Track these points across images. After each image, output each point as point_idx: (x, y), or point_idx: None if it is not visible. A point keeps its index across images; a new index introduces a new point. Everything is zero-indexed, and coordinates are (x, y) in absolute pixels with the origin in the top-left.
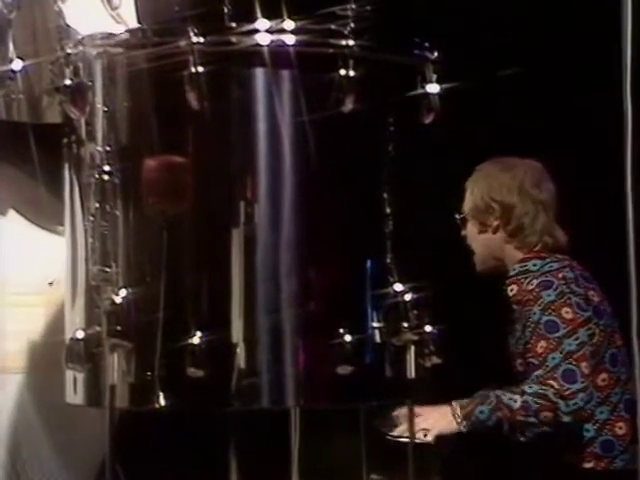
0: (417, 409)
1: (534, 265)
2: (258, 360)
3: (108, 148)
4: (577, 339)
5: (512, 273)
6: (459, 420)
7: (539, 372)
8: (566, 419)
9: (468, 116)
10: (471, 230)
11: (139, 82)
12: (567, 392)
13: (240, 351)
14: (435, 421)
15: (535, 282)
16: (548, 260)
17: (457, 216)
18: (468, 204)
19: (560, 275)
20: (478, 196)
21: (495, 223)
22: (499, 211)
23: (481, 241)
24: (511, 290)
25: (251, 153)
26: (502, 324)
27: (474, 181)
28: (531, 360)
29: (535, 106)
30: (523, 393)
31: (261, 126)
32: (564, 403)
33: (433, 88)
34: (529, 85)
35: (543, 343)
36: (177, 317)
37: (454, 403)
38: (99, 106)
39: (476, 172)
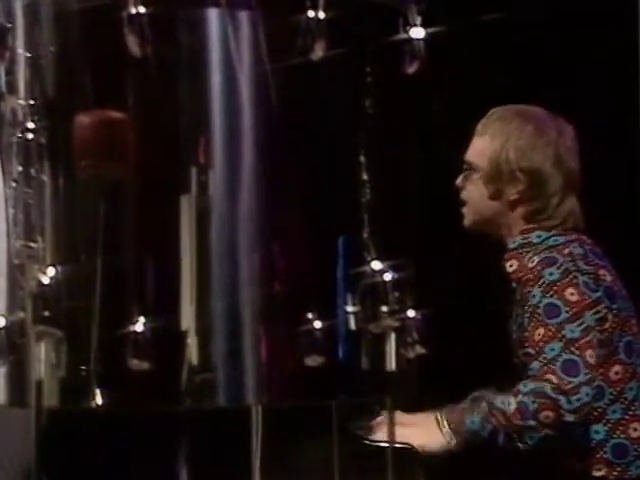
0: (399, 418)
1: (538, 237)
2: (213, 351)
3: (32, 102)
4: (581, 324)
5: (512, 245)
6: (448, 437)
7: (535, 365)
8: (570, 418)
9: (458, 65)
10: (478, 190)
11: (68, 24)
12: (568, 386)
13: (191, 340)
14: (419, 438)
15: (536, 259)
16: (554, 232)
17: (465, 166)
18: (482, 156)
19: (566, 251)
20: (502, 157)
21: (514, 197)
22: (525, 184)
23: (488, 207)
24: (510, 266)
25: (204, 109)
26: (502, 307)
27: (494, 133)
28: (528, 350)
29: (534, 53)
30: (518, 393)
31: (215, 77)
32: (565, 399)
33: (417, 33)
34: (526, 29)
35: (541, 330)
36: (117, 300)
37: (439, 415)
38: (21, 52)
39: (497, 120)
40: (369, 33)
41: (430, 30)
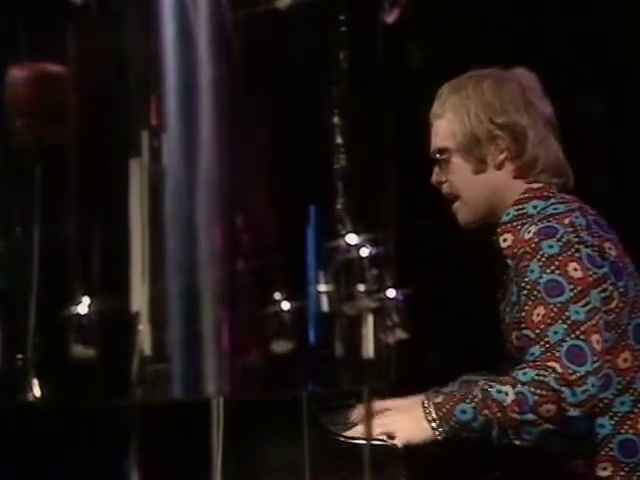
0: (379, 404)
1: (534, 207)
2: (167, 336)
3: None
4: (587, 304)
5: (506, 218)
6: (434, 425)
7: (536, 350)
8: (574, 412)
9: (447, 14)
10: (462, 171)
11: None
12: (573, 376)
13: (143, 324)
14: (403, 426)
15: (534, 229)
16: (553, 201)
17: (437, 156)
18: (451, 135)
19: (567, 220)
20: (472, 122)
21: (501, 157)
22: (507, 138)
23: (479, 184)
24: (504, 240)
25: (156, 63)
26: (493, 286)
27: (454, 106)
28: (526, 332)
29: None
30: (516, 383)
31: (169, 27)
32: (570, 391)
33: None
34: None
35: (541, 310)
36: (58, 279)
37: (426, 401)
38: None
39: (450, 94)
40: None
41: None
